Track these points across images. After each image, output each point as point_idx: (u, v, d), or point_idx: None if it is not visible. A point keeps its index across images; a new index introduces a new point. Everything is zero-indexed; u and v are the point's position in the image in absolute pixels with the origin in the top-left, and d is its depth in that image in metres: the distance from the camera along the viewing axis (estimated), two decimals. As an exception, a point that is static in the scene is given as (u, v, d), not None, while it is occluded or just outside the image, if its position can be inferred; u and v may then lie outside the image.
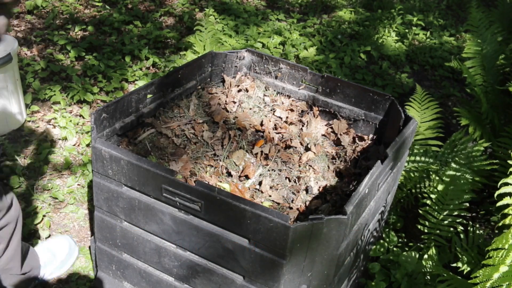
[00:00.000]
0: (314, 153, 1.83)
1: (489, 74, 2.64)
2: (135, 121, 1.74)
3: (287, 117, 1.99)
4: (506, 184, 1.66)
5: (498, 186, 1.67)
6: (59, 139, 2.73)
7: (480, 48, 2.73)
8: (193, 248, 1.49)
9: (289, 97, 2.07)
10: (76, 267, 2.10)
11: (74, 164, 2.61)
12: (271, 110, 2.03)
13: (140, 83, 3.16)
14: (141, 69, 3.36)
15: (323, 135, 1.95)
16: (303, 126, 1.97)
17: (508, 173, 1.69)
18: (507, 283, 1.30)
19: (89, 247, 2.15)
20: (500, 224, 1.61)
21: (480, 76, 2.65)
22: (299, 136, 1.92)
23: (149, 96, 1.78)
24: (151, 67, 3.43)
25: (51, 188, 2.43)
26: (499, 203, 1.63)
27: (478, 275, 1.38)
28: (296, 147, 1.85)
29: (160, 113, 1.85)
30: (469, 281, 1.41)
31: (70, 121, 2.84)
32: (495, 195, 1.67)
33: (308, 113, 2.03)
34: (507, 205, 1.63)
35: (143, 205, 1.50)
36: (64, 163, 2.60)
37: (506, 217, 1.61)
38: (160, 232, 1.53)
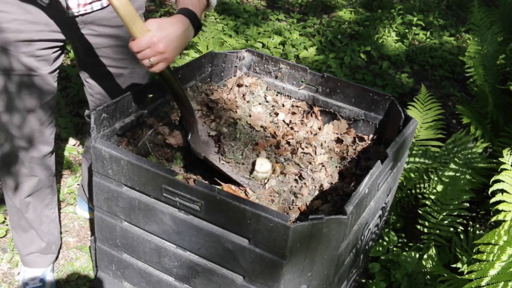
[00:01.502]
0: (320, 154, 1.83)
1: (490, 74, 2.64)
2: (135, 121, 1.74)
3: (290, 121, 1.99)
4: (498, 181, 1.68)
5: (490, 183, 1.68)
6: (59, 139, 2.73)
7: (480, 47, 2.73)
8: (193, 248, 1.49)
9: (289, 97, 2.07)
10: (76, 267, 2.10)
11: (74, 164, 2.61)
12: (273, 111, 2.03)
13: (140, 83, 3.15)
14: (141, 69, 3.36)
15: (324, 135, 1.95)
16: (305, 126, 1.97)
17: (499, 169, 1.71)
18: (504, 280, 1.30)
19: (89, 247, 2.15)
20: (492, 220, 1.62)
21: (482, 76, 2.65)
22: (304, 138, 1.92)
23: (149, 96, 1.78)
24: (151, 67, 3.43)
25: (51, 188, 2.43)
26: (492, 200, 1.65)
27: (472, 270, 1.38)
28: (298, 148, 1.85)
29: (160, 113, 1.85)
30: (463, 277, 1.41)
31: (70, 121, 2.84)
32: (489, 191, 1.68)
33: (310, 114, 2.03)
34: (500, 202, 1.65)
35: (143, 205, 1.50)
36: (64, 163, 2.60)
37: (499, 213, 1.63)
38: (160, 232, 1.53)
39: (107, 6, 1.60)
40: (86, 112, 1.94)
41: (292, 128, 1.97)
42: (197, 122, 1.68)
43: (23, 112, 1.64)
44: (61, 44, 1.63)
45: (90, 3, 1.56)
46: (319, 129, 1.97)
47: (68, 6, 1.52)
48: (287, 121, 1.99)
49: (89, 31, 1.64)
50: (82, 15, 1.57)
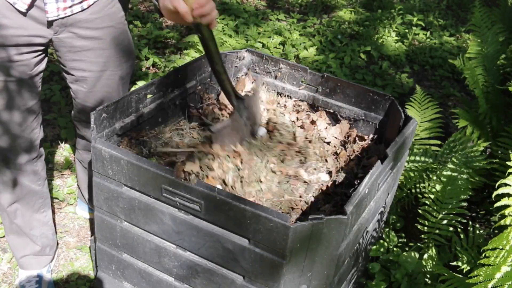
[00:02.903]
0: (319, 153, 1.83)
1: (490, 74, 2.64)
2: (135, 121, 1.74)
3: (293, 120, 1.99)
4: (505, 184, 1.66)
5: (496, 187, 1.67)
6: (59, 139, 2.73)
7: (481, 48, 2.73)
8: (193, 248, 1.49)
9: (289, 97, 2.07)
10: (76, 267, 2.10)
11: (74, 164, 2.61)
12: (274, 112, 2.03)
13: (140, 83, 3.16)
14: (141, 69, 3.36)
15: (330, 136, 1.95)
16: (307, 127, 1.97)
17: (507, 173, 1.69)
18: (510, 282, 1.30)
19: (89, 247, 2.15)
20: (497, 224, 1.61)
21: (481, 76, 2.65)
22: (305, 138, 1.91)
23: (149, 96, 1.78)
24: (151, 67, 3.43)
25: (52, 188, 2.43)
26: (497, 204, 1.64)
27: (478, 274, 1.38)
28: (300, 149, 1.85)
29: (161, 116, 1.85)
30: (469, 281, 1.41)
31: (70, 121, 2.84)
32: (493, 195, 1.67)
33: (312, 114, 2.03)
34: (506, 206, 1.63)
35: (143, 205, 1.50)
36: (64, 163, 2.60)
37: (505, 217, 1.61)
38: (160, 232, 1.53)
39: (87, 8, 1.57)
40: (73, 114, 1.93)
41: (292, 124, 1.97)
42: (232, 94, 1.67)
43: (4, 118, 1.61)
44: (42, 48, 1.60)
45: (70, 6, 1.53)
46: (325, 129, 1.96)
47: (46, 11, 1.50)
48: (290, 120, 1.99)
49: (70, 34, 1.61)
50: (62, 18, 1.55)
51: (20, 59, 1.54)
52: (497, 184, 1.67)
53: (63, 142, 2.72)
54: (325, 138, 1.93)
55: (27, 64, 1.57)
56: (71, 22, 1.58)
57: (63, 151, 2.66)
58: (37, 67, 1.62)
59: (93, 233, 2.16)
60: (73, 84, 1.76)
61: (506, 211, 1.62)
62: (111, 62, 1.73)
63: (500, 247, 1.41)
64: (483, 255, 1.45)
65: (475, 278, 1.37)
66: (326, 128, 1.97)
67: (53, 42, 1.62)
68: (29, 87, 1.62)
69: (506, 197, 1.64)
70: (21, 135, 1.67)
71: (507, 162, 1.70)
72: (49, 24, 1.55)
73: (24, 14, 1.49)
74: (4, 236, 2.19)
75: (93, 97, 1.76)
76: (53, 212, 2.32)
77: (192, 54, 3.52)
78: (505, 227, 1.56)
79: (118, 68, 1.76)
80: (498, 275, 1.33)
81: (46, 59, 1.65)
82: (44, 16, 1.52)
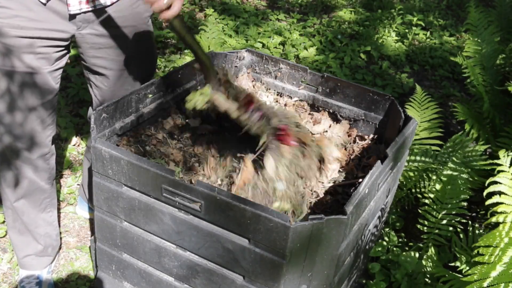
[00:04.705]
0: (323, 153, 1.83)
1: (488, 74, 2.64)
2: (135, 121, 1.74)
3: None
4: (495, 182, 1.67)
5: (486, 185, 1.68)
6: (59, 139, 2.73)
7: (479, 47, 2.73)
8: (193, 248, 1.49)
9: (290, 97, 2.07)
10: (76, 267, 2.11)
11: (74, 164, 2.61)
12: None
13: (140, 83, 3.15)
14: (141, 69, 3.36)
15: (335, 135, 1.95)
16: (310, 126, 1.97)
17: (496, 171, 1.70)
18: (505, 281, 1.30)
19: (89, 247, 2.15)
20: (490, 221, 1.62)
21: (479, 76, 2.65)
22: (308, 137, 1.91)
23: (149, 96, 1.78)
24: (151, 67, 3.43)
25: (51, 188, 2.43)
26: (488, 202, 1.65)
27: (473, 272, 1.38)
28: (303, 148, 1.84)
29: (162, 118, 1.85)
30: (464, 279, 1.41)
31: (70, 121, 2.84)
32: (484, 194, 1.68)
33: (313, 114, 2.02)
34: (496, 204, 1.65)
35: (143, 205, 1.50)
36: (64, 163, 2.60)
37: (495, 215, 1.63)
38: (160, 232, 1.53)
39: (110, 4, 1.59)
40: (90, 112, 1.93)
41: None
42: (215, 73, 1.64)
43: (21, 111, 1.62)
44: (64, 43, 1.61)
45: (93, 0, 1.55)
46: (330, 127, 1.96)
47: (68, 4, 1.51)
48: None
49: (92, 30, 1.63)
50: (85, 12, 1.56)
51: (42, 52, 1.56)
52: (487, 182, 1.68)
53: (63, 142, 2.72)
54: (331, 137, 1.93)
55: (48, 58, 1.58)
56: (94, 19, 1.60)
57: (63, 151, 2.66)
58: (58, 61, 1.63)
59: (93, 233, 2.16)
60: (94, 81, 1.79)
61: (499, 209, 1.63)
62: (131, 61, 1.74)
63: (494, 244, 1.41)
64: (476, 251, 1.45)
65: (470, 276, 1.37)
66: (330, 127, 1.96)
67: (76, 38, 1.64)
68: (47, 81, 1.62)
69: (498, 195, 1.65)
70: (37, 129, 1.68)
71: (496, 161, 1.71)
72: (71, 17, 1.55)
73: (47, 7, 1.50)
74: (4, 236, 2.19)
75: (114, 96, 1.77)
76: (53, 212, 2.33)
77: (192, 54, 3.52)
78: (498, 224, 1.57)
79: (138, 67, 1.78)
80: (493, 274, 1.33)
81: (67, 56, 1.67)
82: (67, 10, 1.53)
